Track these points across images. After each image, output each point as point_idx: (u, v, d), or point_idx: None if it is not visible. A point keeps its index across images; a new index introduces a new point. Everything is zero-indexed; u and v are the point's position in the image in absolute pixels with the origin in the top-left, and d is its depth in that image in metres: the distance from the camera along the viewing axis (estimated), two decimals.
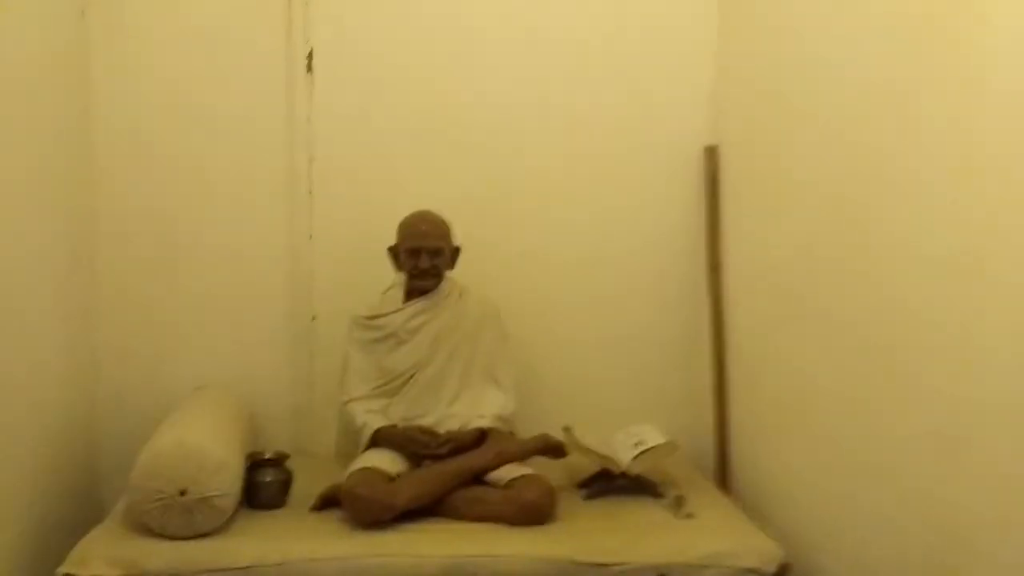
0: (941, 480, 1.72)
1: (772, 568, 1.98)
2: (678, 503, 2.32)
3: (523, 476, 2.27)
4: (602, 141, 2.76)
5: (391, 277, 2.52)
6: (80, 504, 2.39)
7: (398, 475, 2.26)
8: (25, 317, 2.11)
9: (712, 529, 2.18)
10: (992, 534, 1.58)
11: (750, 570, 1.98)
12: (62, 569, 1.91)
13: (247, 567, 1.96)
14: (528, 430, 2.49)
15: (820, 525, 2.18)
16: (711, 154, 2.75)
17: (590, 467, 2.48)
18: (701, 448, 2.73)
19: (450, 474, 2.26)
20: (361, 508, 2.12)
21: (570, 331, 2.77)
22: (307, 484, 2.30)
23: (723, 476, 2.67)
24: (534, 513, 2.17)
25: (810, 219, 2.22)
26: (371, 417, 2.41)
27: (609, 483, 2.43)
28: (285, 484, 2.28)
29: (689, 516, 2.27)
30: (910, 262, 1.78)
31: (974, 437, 1.62)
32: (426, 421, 2.42)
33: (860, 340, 1.98)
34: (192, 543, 2.01)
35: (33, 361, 2.17)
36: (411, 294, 2.48)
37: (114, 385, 2.59)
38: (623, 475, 2.42)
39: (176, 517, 2.00)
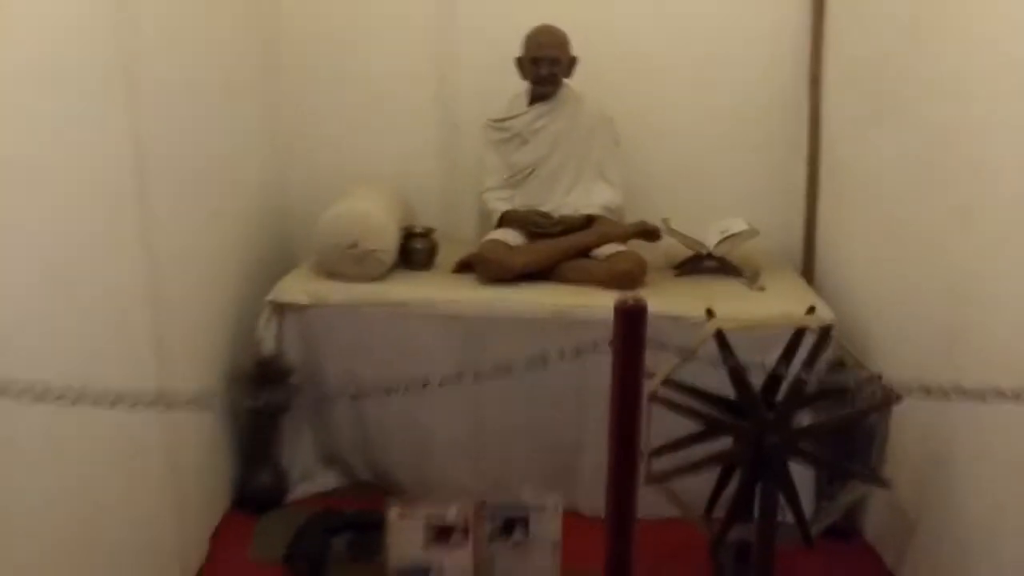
0: (960, 246, 2.05)
1: (817, 327, 2.38)
2: (753, 279, 2.74)
3: (620, 252, 2.75)
4: None
5: (521, 85, 2.96)
6: (276, 256, 3.07)
7: (519, 246, 2.80)
8: (232, 113, 2.73)
9: (776, 298, 2.60)
10: (999, 297, 1.91)
11: (800, 329, 2.40)
12: (269, 297, 2.63)
13: (402, 303, 2.60)
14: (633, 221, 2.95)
15: (874, 297, 2.55)
16: None
17: (684, 251, 2.93)
18: (792, 243, 3.08)
19: (560, 248, 2.77)
20: (488, 268, 2.69)
21: (675, 134, 3.12)
22: (449, 254, 2.88)
23: (809, 265, 3.03)
24: (626, 279, 2.66)
25: (900, 35, 2.44)
26: (500, 203, 2.93)
27: (698, 264, 2.88)
28: (431, 251, 2.88)
29: (761, 289, 2.69)
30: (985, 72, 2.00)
31: (988, 216, 1.93)
32: (544, 208, 2.91)
33: (930, 137, 2.26)
34: (361, 285, 2.66)
35: (238, 150, 2.81)
36: (534, 99, 2.91)
37: (300, 171, 3.21)
38: (710, 256, 2.85)
39: (349, 264, 2.65)
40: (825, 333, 2.05)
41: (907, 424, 2.29)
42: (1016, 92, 1.86)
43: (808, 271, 3.02)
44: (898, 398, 2.03)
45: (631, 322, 1.10)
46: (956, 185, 2.11)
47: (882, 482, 2.14)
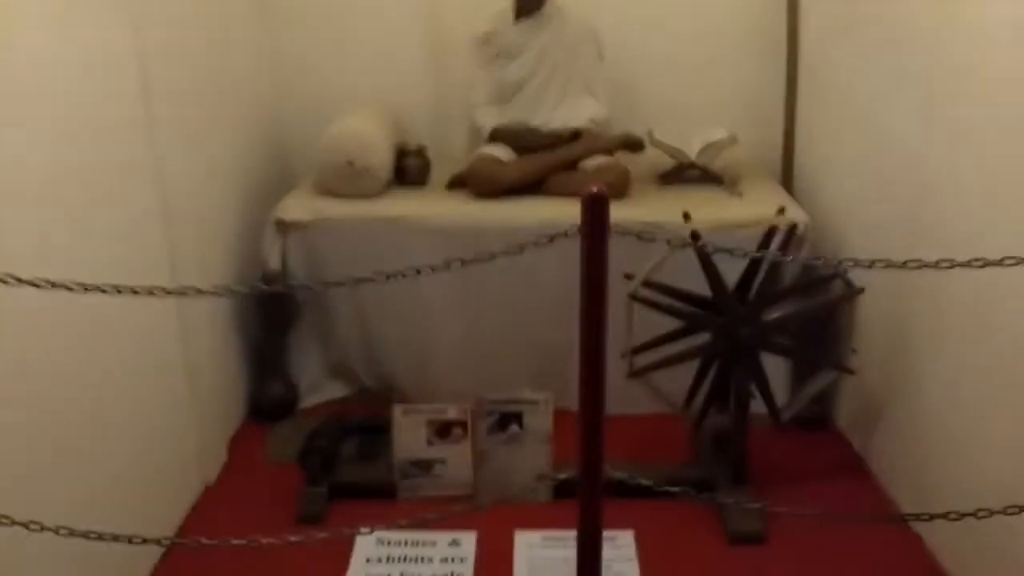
0: (928, 147, 2.17)
1: (785, 226, 2.50)
2: (732, 186, 2.87)
3: (606, 163, 2.87)
4: None
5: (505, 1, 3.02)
6: (276, 176, 3.17)
7: (509, 161, 2.91)
8: (223, 43, 2.80)
9: (754, 203, 2.73)
10: (959, 189, 2.04)
11: (771, 228, 2.53)
12: (274, 214, 2.76)
13: (398, 217, 2.73)
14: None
15: (847, 198, 2.68)
16: None
17: (668, 161, 3.04)
18: (771, 151, 3.19)
19: (548, 161, 2.89)
20: (479, 182, 2.81)
21: (658, 49, 3.18)
22: (442, 171, 2.99)
23: (787, 172, 3.15)
24: (612, 189, 2.72)
25: None
26: (489, 119, 3.03)
27: (681, 173, 3.00)
28: (425, 168, 2.99)
29: (740, 195, 2.82)
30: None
31: (959, 115, 2.04)
32: (533, 122, 3.01)
33: (895, 42, 2.35)
34: (359, 201, 2.79)
35: (237, 78, 2.90)
36: (519, 15, 2.97)
37: (294, 96, 3.29)
38: (693, 166, 2.97)
39: (346, 182, 2.78)
40: (792, 231, 2.19)
41: (873, 317, 2.45)
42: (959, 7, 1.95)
43: (787, 177, 3.13)
44: (859, 291, 2.18)
45: (595, 209, 1.24)
46: (918, 86, 2.21)
47: (847, 369, 2.31)
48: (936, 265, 1.46)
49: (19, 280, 1.34)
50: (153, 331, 2.20)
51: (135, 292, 1.37)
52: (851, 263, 1.62)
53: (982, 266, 1.45)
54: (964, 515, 1.45)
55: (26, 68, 1.68)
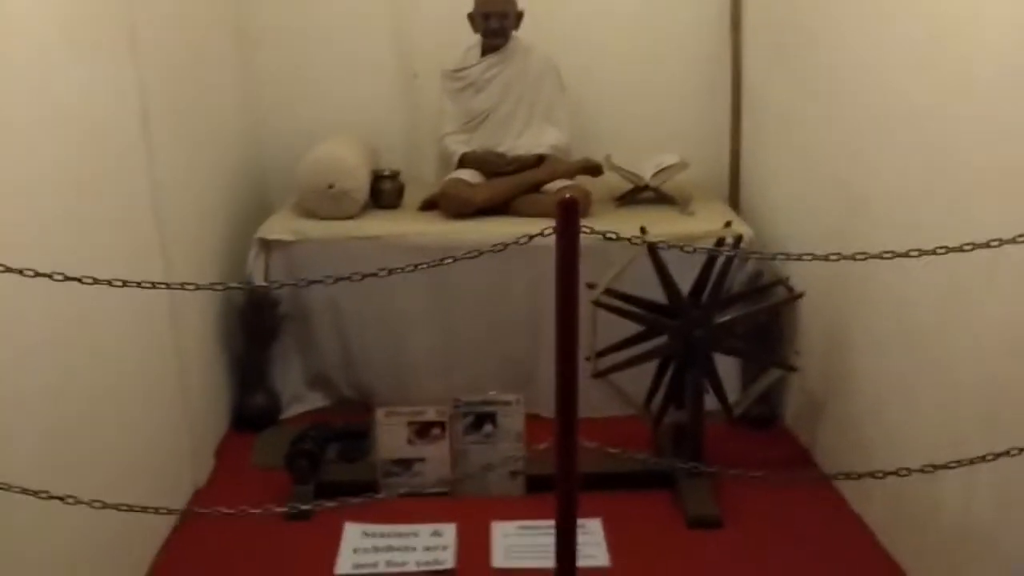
0: (854, 165, 2.44)
1: (732, 238, 2.73)
2: (684, 206, 3.12)
3: (567, 186, 3.10)
4: None
5: (473, 39, 3.26)
6: (259, 199, 3.37)
7: (478, 184, 3.13)
8: (208, 73, 2.99)
9: (704, 221, 2.98)
10: (886, 204, 2.30)
11: (719, 241, 2.78)
12: (258, 234, 2.94)
13: (376, 236, 2.93)
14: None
15: (788, 215, 2.94)
16: None
17: (624, 184, 3.28)
18: (720, 173, 3.45)
19: (514, 184, 3.11)
20: (451, 204, 3.02)
21: (615, 80, 3.46)
22: (415, 194, 3.20)
23: (735, 192, 3.42)
24: None
25: None
26: (459, 146, 3.25)
27: (636, 195, 3.25)
28: (399, 191, 3.20)
29: (691, 214, 3.07)
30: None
31: (882, 141, 2.31)
32: (499, 149, 3.23)
33: (824, 74, 2.63)
34: (338, 222, 2.98)
35: (222, 108, 3.09)
36: (485, 51, 3.22)
37: (273, 124, 3.48)
38: (647, 188, 3.21)
39: (327, 204, 2.97)
40: (738, 242, 2.43)
41: (815, 320, 2.69)
42: (893, 28, 2.23)
43: (734, 197, 3.40)
44: (799, 295, 2.42)
45: (568, 212, 1.44)
46: (847, 110, 2.49)
47: (790, 367, 2.55)
48: (853, 257, 1.70)
49: (24, 272, 1.46)
50: (149, 340, 2.36)
51: (131, 284, 1.51)
52: (783, 256, 1.84)
53: (891, 257, 1.69)
54: (888, 473, 1.67)
55: (38, 97, 1.84)
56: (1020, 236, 1.63)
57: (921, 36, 2.10)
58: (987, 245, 1.65)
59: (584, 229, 1.53)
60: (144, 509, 1.71)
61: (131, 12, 2.24)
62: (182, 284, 1.80)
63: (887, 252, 1.66)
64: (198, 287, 1.74)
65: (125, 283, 1.51)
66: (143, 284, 1.53)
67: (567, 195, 1.50)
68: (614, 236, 1.70)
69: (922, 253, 1.66)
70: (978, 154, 1.89)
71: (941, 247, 1.67)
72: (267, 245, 2.93)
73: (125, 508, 1.66)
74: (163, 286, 1.67)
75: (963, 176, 1.95)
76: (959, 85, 1.94)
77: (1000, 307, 1.82)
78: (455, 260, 1.80)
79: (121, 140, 2.20)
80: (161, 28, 2.45)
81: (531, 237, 1.73)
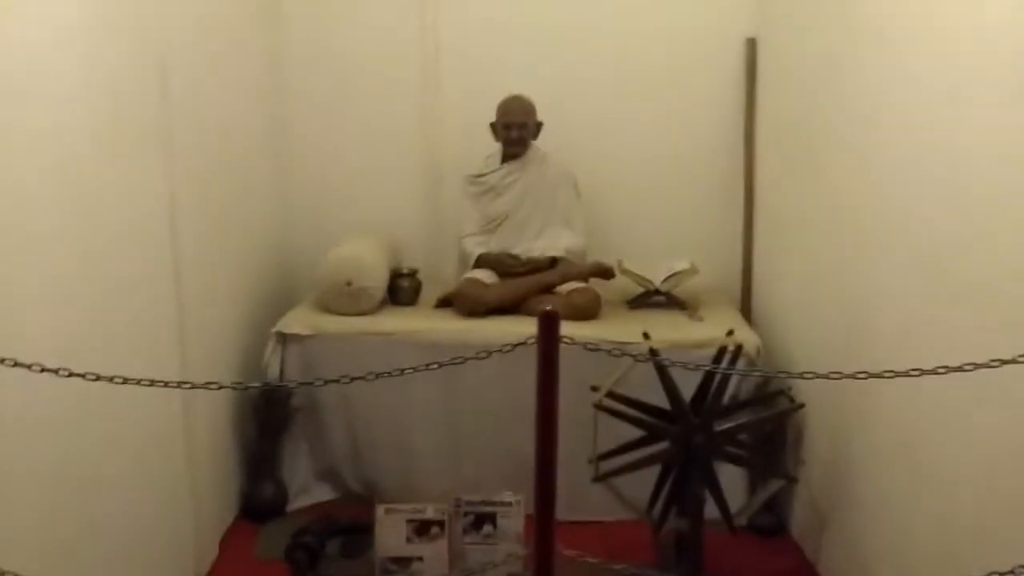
0: (856, 277, 2.47)
1: (734, 346, 2.75)
2: (693, 311, 3.16)
3: (579, 288, 3.17)
4: (657, 35, 3.49)
5: (494, 146, 3.41)
6: (281, 294, 3.49)
7: (492, 284, 3.21)
8: (241, 176, 3.15)
9: (713, 327, 3.01)
10: (887, 319, 2.32)
11: (721, 349, 2.79)
12: (276, 328, 3.03)
13: (391, 332, 3.01)
14: None
15: (797, 325, 2.97)
16: (751, 45, 3.42)
17: (636, 288, 3.35)
18: (731, 280, 3.50)
19: (527, 285, 3.19)
20: (465, 302, 3.11)
21: (630, 187, 3.57)
22: (432, 292, 3.30)
23: (747, 299, 3.46)
24: (583, 312, 3.07)
25: (807, 104, 2.90)
26: (476, 247, 3.35)
27: (647, 299, 3.30)
28: (416, 289, 3.29)
29: (700, 319, 3.11)
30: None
31: (881, 255, 2.35)
32: (515, 251, 3.33)
33: (829, 190, 2.70)
34: (355, 318, 3.07)
35: (252, 208, 3.25)
36: (505, 158, 3.36)
37: (301, 222, 3.64)
38: (658, 292, 3.27)
39: (345, 300, 3.06)
40: (738, 350, 2.45)
41: (820, 431, 2.68)
42: (892, 146, 2.30)
43: (746, 304, 3.44)
44: (800, 405, 2.43)
45: (547, 325, 1.50)
46: (847, 229, 2.54)
47: (791, 477, 2.53)
48: (854, 376, 1.72)
49: (32, 368, 1.55)
50: (160, 429, 2.43)
51: (131, 382, 1.59)
52: (784, 374, 1.87)
53: (892, 376, 1.71)
54: None
55: (69, 198, 1.98)
56: (1020, 356, 1.65)
57: (913, 154, 2.17)
58: (988, 365, 1.66)
59: (565, 340, 1.58)
60: None
61: (168, 117, 2.40)
62: (190, 384, 1.87)
63: (887, 371, 1.68)
64: (220, 386, 1.80)
65: (126, 380, 1.58)
66: (142, 382, 1.60)
67: (548, 307, 1.55)
68: (593, 347, 1.75)
69: (923, 373, 1.68)
70: (975, 272, 1.92)
71: (942, 367, 1.70)
72: (284, 339, 3.03)
73: None
74: (166, 383, 1.74)
75: (961, 293, 1.97)
76: (953, 200, 1.99)
77: (996, 423, 1.82)
78: (464, 360, 1.85)
79: (148, 241, 2.33)
80: (197, 132, 2.62)
81: (514, 346, 1.78)
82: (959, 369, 1.67)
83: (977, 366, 1.66)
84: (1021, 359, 1.65)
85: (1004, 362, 1.65)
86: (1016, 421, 1.76)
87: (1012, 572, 1.63)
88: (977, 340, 1.85)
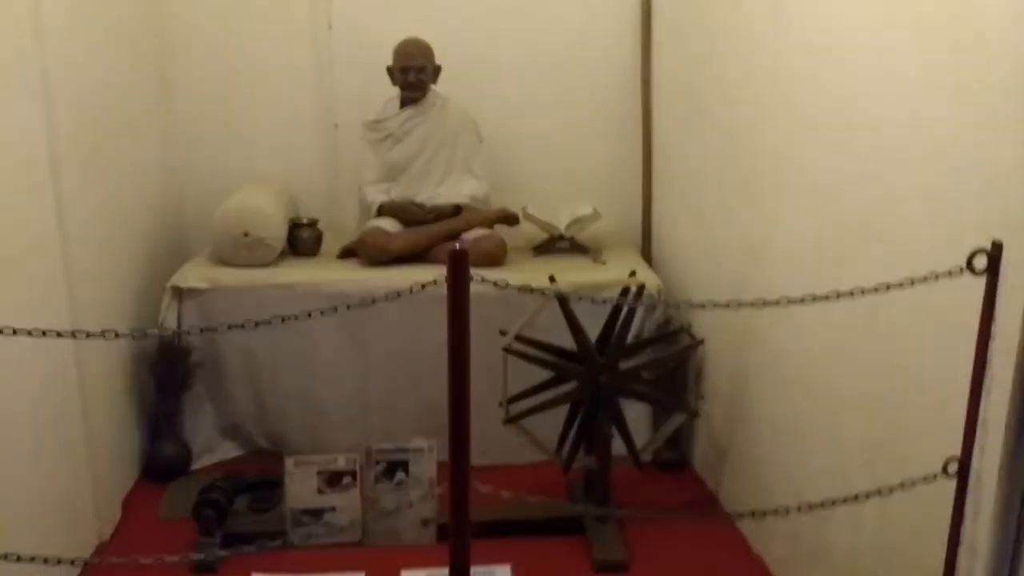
0: (750, 217, 2.56)
1: (635, 287, 2.80)
2: (597, 255, 3.21)
3: (485, 235, 3.16)
4: None
5: (393, 91, 3.33)
6: (173, 247, 3.35)
7: (396, 233, 3.17)
8: (126, 118, 2.99)
9: (615, 270, 3.07)
10: (783, 252, 2.41)
11: (624, 290, 2.85)
12: (171, 283, 2.92)
13: (292, 284, 2.93)
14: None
15: (693, 263, 3.06)
16: None
17: (540, 234, 3.37)
18: (632, 224, 3.57)
19: (432, 233, 3.16)
20: (369, 252, 3.06)
21: (531, 132, 3.55)
22: (334, 242, 3.23)
23: (647, 242, 3.53)
24: (490, 258, 3.07)
25: (700, 50, 2.95)
26: (378, 196, 3.29)
27: (552, 244, 3.33)
28: (317, 240, 3.22)
29: (603, 263, 3.17)
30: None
31: (782, 193, 2.43)
32: (418, 199, 3.29)
33: (722, 132, 2.76)
34: (253, 270, 2.98)
35: (139, 155, 3.08)
36: (404, 103, 3.29)
37: (193, 172, 3.49)
38: (562, 238, 3.30)
39: (242, 252, 2.97)
40: (641, 290, 2.51)
41: (719, 367, 2.79)
42: (784, 92, 2.37)
43: (647, 247, 3.51)
44: (700, 342, 2.51)
45: (457, 264, 1.50)
46: (742, 166, 2.62)
47: (692, 412, 2.62)
48: (752, 304, 1.79)
49: None
50: (52, 386, 2.31)
51: (22, 333, 1.51)
52: (686, 303, 1.93)
53: (787, 304, 1.79)
54: (789, 510, 1.75)
55: None
56: (904, 281, 1.74)
57: (804, 96, 2.25)
58: (875, 290, 1.76)
59: (475, 278, 1.58)
60: (46, 560, 1.66)
61: (43, 54, 2.24)
62: (85, 332, 1.78)
63: (782, 298, 1.75)
64: (117, 334, 1.71)
65: (15, 331, 1.50)
66: (33, 332, 1.52)
67: (456, 246, 1.54)
68: (504, 285, 1.75)
69: (815, 299, 1.76)
70: (862, 205, 2.01)
71: (832, 292, 1.79)
72: (180, 293, 2.92)
73: (19, 559, 1.62)
74: (59, 333, 1.65)
75: (850, 224, 2.06)
76: (841, 138, 2.07)
77: (882, 347, 1.93)
78: (349, 308, 1.83)
79: (26, 182, 2.19)
80: (76, 70, 2.46)
81: (424, 286, 1.77)
82: (849, 294, 1.77)
83: (865, 291, 1.75)
84: (905, 283, 1.75)
85: (890, 286, 1.75)
86: (899, 344, 1.87)
87: (901, 485, 1.76)
88: (865, 268, 1.95)
